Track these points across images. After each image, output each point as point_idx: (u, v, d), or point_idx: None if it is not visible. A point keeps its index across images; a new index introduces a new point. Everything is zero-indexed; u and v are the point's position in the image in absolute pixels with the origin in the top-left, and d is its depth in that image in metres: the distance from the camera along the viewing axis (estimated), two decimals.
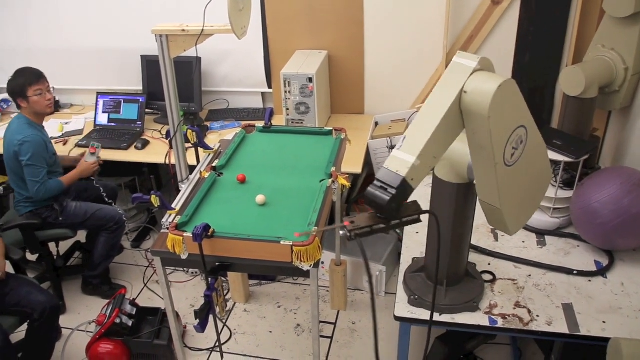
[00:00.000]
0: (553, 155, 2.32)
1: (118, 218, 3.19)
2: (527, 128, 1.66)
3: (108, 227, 3.19)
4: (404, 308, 2.06)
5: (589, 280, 2.16)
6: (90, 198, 3.29)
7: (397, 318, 2.04)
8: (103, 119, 3.70)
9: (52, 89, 3.02)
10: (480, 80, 1.58)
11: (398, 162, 1.59)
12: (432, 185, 1.93)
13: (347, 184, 2.35)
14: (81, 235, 3.63)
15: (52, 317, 2.64)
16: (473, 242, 2.33)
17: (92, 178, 3.26)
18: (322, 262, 3.35)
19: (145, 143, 3.49)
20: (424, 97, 3.41)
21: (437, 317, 2.02)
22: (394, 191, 1.56)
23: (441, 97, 1.61)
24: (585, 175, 2.42)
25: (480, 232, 2.43)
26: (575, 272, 2.18)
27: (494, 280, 2.18)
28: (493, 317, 2.00)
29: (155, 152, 3.40)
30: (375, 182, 1.59)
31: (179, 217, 2.05)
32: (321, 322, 3.18)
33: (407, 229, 2.50)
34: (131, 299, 2.97)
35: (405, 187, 1.57)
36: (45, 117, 3.06)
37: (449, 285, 2.05)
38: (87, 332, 3.05)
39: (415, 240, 2.42)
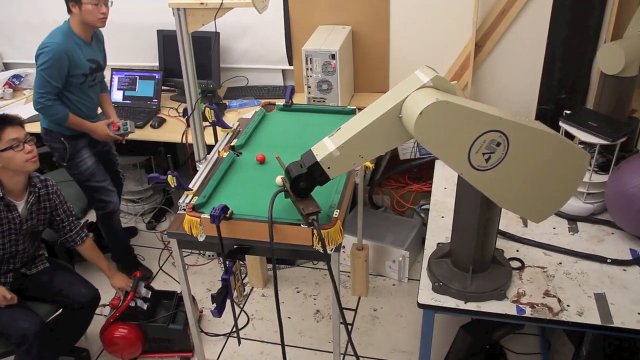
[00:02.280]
0: (587, 137, 2.29)
1: (109, 200, 3.18)
2: (504, 130, 1.66)
3: (99, 206, 3.20)
4: (427, 295, 2.07)
5: (624, 270, 2.14)
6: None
7: (420, 305, 2.04)
8: (118, 96, 3.72)
9: (110, 3, 2.83)
10: (415, 100, 1.64)
11: (321, 147, 1.78)
12: None
13: (371, 166, 2.37)
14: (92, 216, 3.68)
15: (91, 308, 2.70)
16: (501, 227, 2.31)
17: (115, 153, 3.23)
18: (343, 247, 3.36)
19: (162, 121, 3.51)
20: (452, 75, 3.38)
21: (462, 305, 2.02)
22: (304, 170, 1.76)
23: (383, 102, 1.73)
24: (622, 159, 2.38)
25: (509, 217, 2.42)
26: (609, 260, 2.16)
27: (522, 267, 2.17)
28: (521, 306, 2.00)
29: (171, 131, 3.42)
30: (301, 158, 1.80)
31: (196, 198, 2.07)
32: (342, 307, 3.19)
33: (432, 213, 2.49)
34: (146, 281, 3.01)
35: (316, 171, 1.76)
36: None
37: (475, 272, 2.05)
38: (102, 315, 3.11)
39: (440, 225, 2.42)
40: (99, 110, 3.15)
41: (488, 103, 2.46)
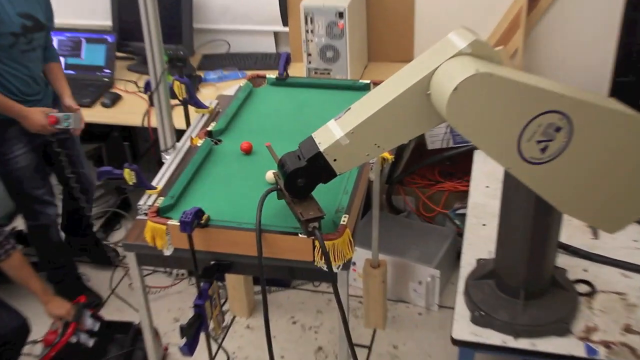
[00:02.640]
0: None
1: (41, 212, 3.19)
2: (566, 111, 1.66)
3: (29, 215, 3.22)
4: (465, 328, 2.06)
5: None
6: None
7: (455, 342, 2.04)
8: None
9: None
10: (448, 72, 1.63)
11: (325, 133, 1.79)
12: None
13: (390, 158, 2.36)
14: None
15: (17, 345, 2.70)
16: (563, 239, 2.31)
17: (55, 145, 3.23)
18: (354, 263, 3.37)
19: (116, 98, 3.51)
20: (495, 40, 3.37)
21: (510, 341, 2.01)
22: (303, 163, 1.77)
23: (406, 75, 1.73)
24: None
25: (573, 226, 2.41)
26: None
27: (592, 293, 2.17)
28: (592, 344, 1.99)
29: (129, 111, 3.43)
30: (298, 148, 1.82)
31: (162, 199, 2.06)
32: (353, 344, 3.19)
33: (471, 219, 2.49)
34: (93, 310, 3.01)
35: (318, 164, 1.77)
36: None
37: (528, 298, 2.05)
38: (31, 355, 3.09)
39: (480, 235, 2.42)
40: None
41: (544, 75, 2.45)
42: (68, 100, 3.12)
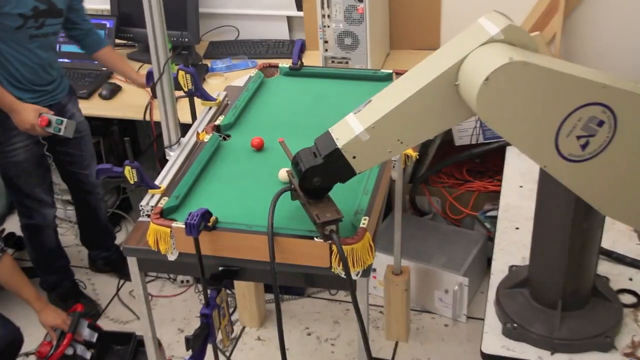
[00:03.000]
0: None
1: (36, 210, 3.22)
2: (610, 103, 1.65)
3: (23, 212, 3.24)
4: (496, 341, 2.06)
5: None
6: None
7: (485, 356, 2.04)
8: None
9: None
10: (479, 60, 1.62)
11: (344, 128, 1.78)
12: None
13: (414, 155, 2.35)
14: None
15: (9, 358, 2.71)
16: (605, 244, 2.29)
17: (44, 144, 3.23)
18: (374, 270, 3.36)
19: (115, 90, 3.52)
20: (531, 25, 3.36)
21: (547, 357, 2.01)
22: (319, 161, 1.77)
23: (432, 64, 1.72)
24: None
25: (617, 230, 2.40)
26: None
27: (638, 304, 2.15)
28: None
29: (129, 104, 3.44)
30: (314, 144, 1.83)
31: (166, 199, 2.07)
32: (373, 358, 3.18)
33: (502, 222, 2.48)
34: (91, 319, 3.02)
35: (335, 161, 1.77)
36: None
37: (566, 309, 2.04)
38: None
39: (513, 240, 2.41)
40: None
41: (585, 63, 2.44)
42: (134, 75, 3.26)
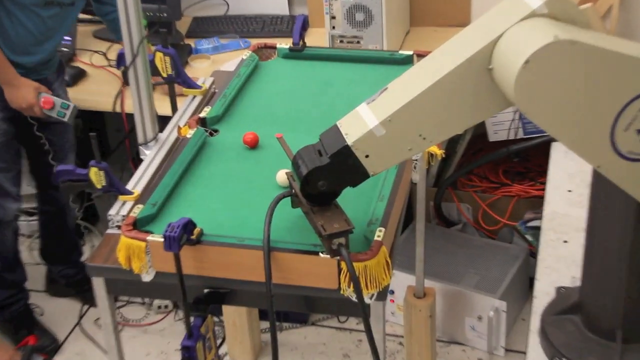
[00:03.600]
0: None
1: None
2: None
3: None
4: None
5: None
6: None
7: None
8: None
9: None
10: (517, 39, 1.61)
11: (355, 121, 1.78)
12: None
13: (439, 153, 2.36)
14: None
15: None
16: None
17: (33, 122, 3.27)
18: (392, 292, 3.36)
19: (78, 75, 3.53)
20: None
21: None
22: (325, 161, 1.77)
23: (461, 44, 1.73)
24: None
25: None
26: None
27: None
28: None
29: (96, 92, 3.47)
30: (319, 141, 1.83)
31: (140, 207, 2.07)
32: None
33: (547, 234, 2.47)
34: (46, 355, 3.01)
35: (345, 161, 1.76)
36: None
37: (627, 342, 2.02)
38: None
39: (561, 256, 2.41)
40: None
41: None
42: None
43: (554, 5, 1.64)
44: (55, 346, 3.46)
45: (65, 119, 3.03)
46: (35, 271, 3.80)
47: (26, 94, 3.03)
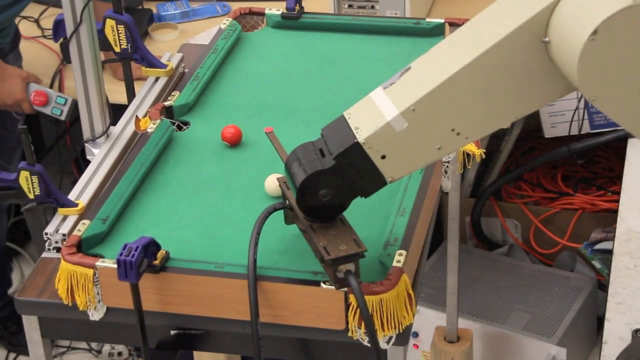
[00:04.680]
0: None
1: None
2: None
3: None
4: None
5: None
6: None
7: None
8: None
9: None
10: (580, 5, 1.61)
11: (367, 111, 1.79)
12: None
13: (478, 153, 2.36)
14: None
15: None
16: None
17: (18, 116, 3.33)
18: (416, 334, 3.37)
19: None
20: None
21: None
22: (329, 163, 1.77)
23: (505, 11, 1.75)
24: None
25: None
26: None
27: None
28: None
29: (26, 70, 3.43)
30: (321, 137, 1.85)
31: (87, 223, 2.07)
32: None
33: (621, 259, 2.48)
34: None
35: (353, 163, 1.78)
36: None
37: None
38: None
39: (638, 289, 2.42)
40: None
41: None
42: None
43: None
44: None
45: (63, 117, 3.01)
46: None
47: (14, 89, 3.05)
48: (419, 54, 1.81)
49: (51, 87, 3.25)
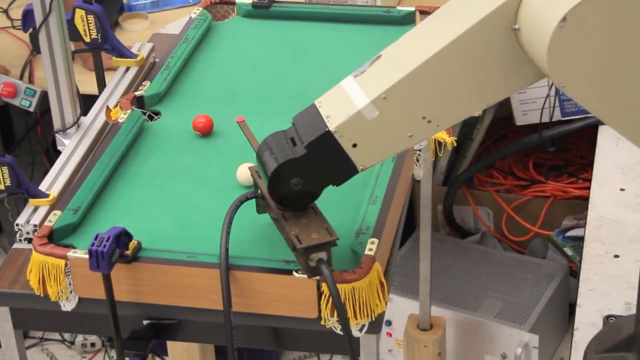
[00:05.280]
0: None
1: None
2: None
3: None
4: None
5: None
6: None
7: None
8: None
9: None
10: None
11: (339, 99, 1.81)
12: None
13: (450, 141, 2.36)
14: None
15: None
16: None
17: None
18: (389, 323, 3.38)
19: None
20: None
21: None
22: (300, 152, 1.78)
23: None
24: None
25: None
26: None
27: None
28: None
29: None
30: (292, 125, 1.86)
31: (58, 213, 2.07)
32: None
33: (592, 246, 2.49)
34: None
35: (324, 151, 1.79)
36: None
37: None
38: None
39: (610, 274, 2.43)
40: None
41: None
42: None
43: None
44: None
45: (32, 109, 3.01)
46: None
47: None
48: (390, 42, 1.81)
49: (21, 77, 3.23)
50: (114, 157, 2.22)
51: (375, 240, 1.95)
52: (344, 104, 1.77)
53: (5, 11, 3.67)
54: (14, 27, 3.57)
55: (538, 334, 3.22)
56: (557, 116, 3.47)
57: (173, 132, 2.34)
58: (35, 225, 2.10)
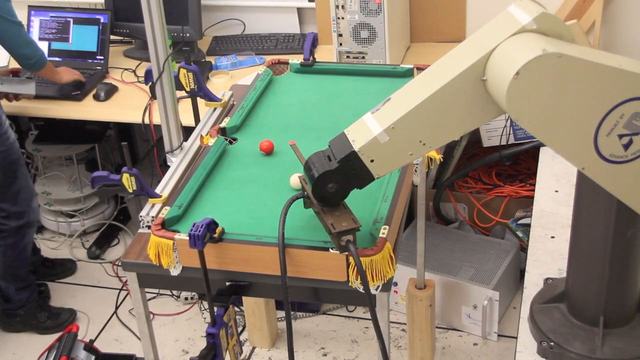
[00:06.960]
0: None
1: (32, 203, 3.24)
2: None
3: (14, 212, 3.24)
4: None
5: None
6: None
7: None
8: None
9: None
10: (509, 52, 1.62)
11: (361, 128, 1.81)
12: None
13: (437, 157, 2.37)
14: None
15: None
16: None
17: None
18: (395, 284, 3.37)
19: (111, 90, 3.53)
20: (567, 13, 3.34)
21: None
22: (334, 165, 1.80)
23: (457, 58, 1.74)
24: None
25: None
26: None
27: None
28: None
29: (127, 105, 3.45)
30: (329, 147, 1.86)
31: (168, 208, 2.08)
32: None
33: (536, 230, 2.47)
34: (87, 340, 3.02)
35: (352, 166, 1.80)
36: None
37: (608, 326, 2.02)
38: None
39: (549, 250, 2.41)
40: None
41: (628, 55, 2.43)
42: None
43: (542, 21, 1.65)
44: (74, 317, 3.50)
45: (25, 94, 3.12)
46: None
47: (70, 75, 3.22)
48: (396, 89, 1.81)
49: (143, 117, 3.25)
50: (206, 170, 2.23)
51: (387, 227, 1.95)
52: (364, 131, 1.78)
53: (134, 71, 3.66)
54: (138, 81, 3.56)
55: (499, 291, 3.20)
56: (512, 140, 3.45)
57: (246, 153, 2.34)
58: (152, 217, 2.12)
